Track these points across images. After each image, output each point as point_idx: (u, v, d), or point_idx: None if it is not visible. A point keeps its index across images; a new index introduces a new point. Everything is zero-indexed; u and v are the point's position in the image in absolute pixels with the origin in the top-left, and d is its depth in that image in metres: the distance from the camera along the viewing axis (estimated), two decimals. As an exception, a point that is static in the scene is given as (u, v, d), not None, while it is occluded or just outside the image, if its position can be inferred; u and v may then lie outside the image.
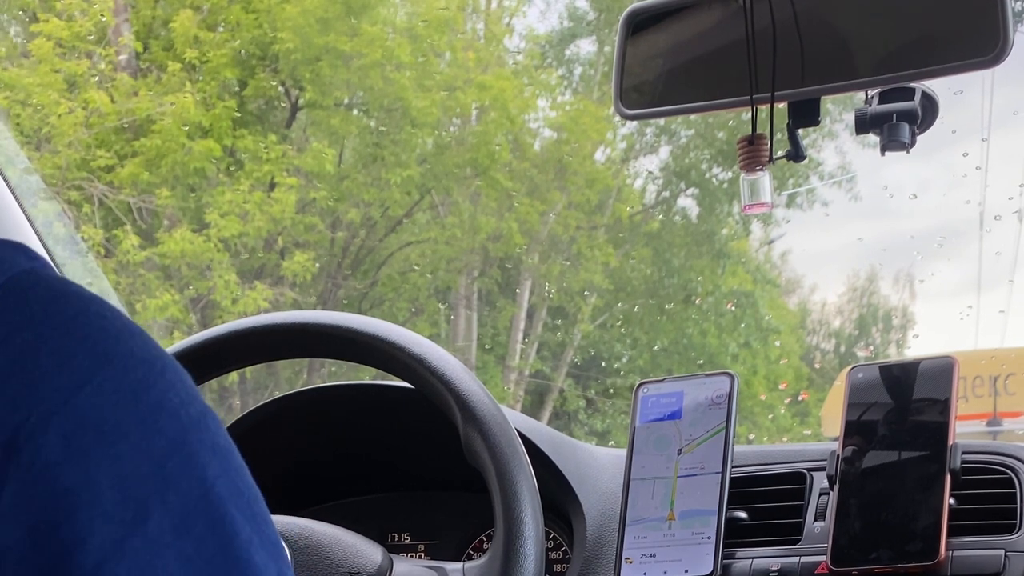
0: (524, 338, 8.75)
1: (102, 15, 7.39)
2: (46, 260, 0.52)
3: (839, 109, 7.54)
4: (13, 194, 1.44)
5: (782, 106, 1.11)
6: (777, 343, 9.19)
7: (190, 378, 0.51)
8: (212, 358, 1.10)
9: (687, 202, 9.41)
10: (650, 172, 9.24)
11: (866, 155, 8.68)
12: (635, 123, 7.73)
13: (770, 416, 8.39)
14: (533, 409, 8.46)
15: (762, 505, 1.18)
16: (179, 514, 0.46)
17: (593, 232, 8.71)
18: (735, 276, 9.11)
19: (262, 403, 1.35)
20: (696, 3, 1.16)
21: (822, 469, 1.17)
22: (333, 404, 1.35)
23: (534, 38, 9.12)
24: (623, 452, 1.23)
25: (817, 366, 9.97)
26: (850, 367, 1.21)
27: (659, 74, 1.17)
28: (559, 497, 1.23)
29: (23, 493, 0.45)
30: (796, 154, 1.12)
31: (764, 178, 1.12)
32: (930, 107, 1.12)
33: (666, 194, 9.41)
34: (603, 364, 8.94)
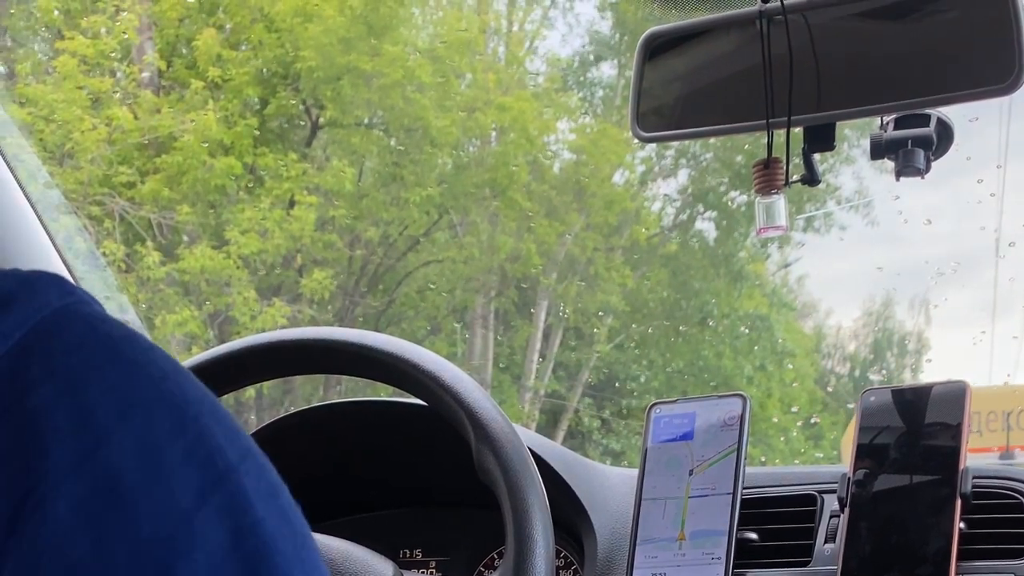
0: (540, 358, 8.74)
1: (126, 33, 7.45)
2: (83, 294, 0.48)
3: (857, 135, 7.53)
4: (33, 208, 1.46)
5: (798, 130, 1.12)
6: (790, 366, 9.16)
7: (231, 417, 0.47)
8: (229, 372, 1.11)
9: (705, 225, 9.40)
10: (667, 195, 9.24)
11: (884, 181, 8.66)
12: (654, 146, 7.74)
13: (782, 438, 8.35)
14: (548, 428, 8.44)
15: (773, 527, 1.19)
16: (206, 572, 0.42)
17: (610, 254, 8.71)
18: (751, 299, 9.10)
19: (276, 418, 1.36)
20: (713, 28, 1.17)
21: (833, 491, 1.17)
22: (347, 420, 1.36)
23: (555, 61, 9.14)
24: (635, 472, 1.23)
25: (830, 389, 9.93)
26: (863, 391, 1.21)
27: (676, 97, 1.18)
28: (570, 516, 1.24)
29: (24, 570, 0.41)
30: (811, 178, 1.13)
31: (779, 201, 1.13)
32: (945, 134, 1.13)
33: (684, 217, 9.41)
34: (618, 385, 8.93)
